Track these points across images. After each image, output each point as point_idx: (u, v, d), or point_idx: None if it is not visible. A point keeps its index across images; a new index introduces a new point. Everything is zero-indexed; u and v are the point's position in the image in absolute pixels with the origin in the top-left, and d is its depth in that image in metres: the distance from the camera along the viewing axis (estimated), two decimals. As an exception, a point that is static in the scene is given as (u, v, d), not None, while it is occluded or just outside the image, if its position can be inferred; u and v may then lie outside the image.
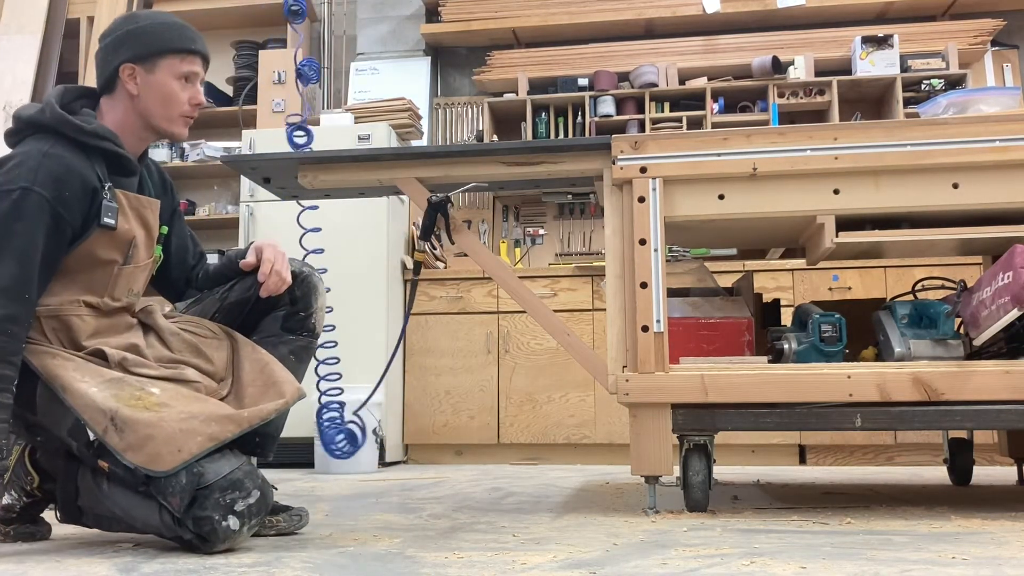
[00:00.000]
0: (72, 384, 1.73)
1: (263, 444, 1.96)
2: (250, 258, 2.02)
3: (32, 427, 1.84)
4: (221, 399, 1.87)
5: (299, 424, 3.87)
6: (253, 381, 1.89)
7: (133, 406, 1.70)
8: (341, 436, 2.30)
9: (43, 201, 1.73)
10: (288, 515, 1.95)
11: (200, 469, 1.66)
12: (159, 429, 1.66)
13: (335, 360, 2.26)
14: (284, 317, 2.06)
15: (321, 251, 2.33)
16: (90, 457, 1.76)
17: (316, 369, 2.24)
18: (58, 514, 1.88)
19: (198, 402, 1.77)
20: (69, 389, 1.73)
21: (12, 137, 1.87)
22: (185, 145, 5.13)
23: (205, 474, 1.65)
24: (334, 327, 2.35)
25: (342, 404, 2.33)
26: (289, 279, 2.02)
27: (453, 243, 2.38)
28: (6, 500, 1.87)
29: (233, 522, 1.63)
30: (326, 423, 2.30)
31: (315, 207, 2.56)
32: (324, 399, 2.30)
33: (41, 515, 1.94)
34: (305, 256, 2.22)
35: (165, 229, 2.05)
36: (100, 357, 1.81)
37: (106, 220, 1.81)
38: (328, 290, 2.16)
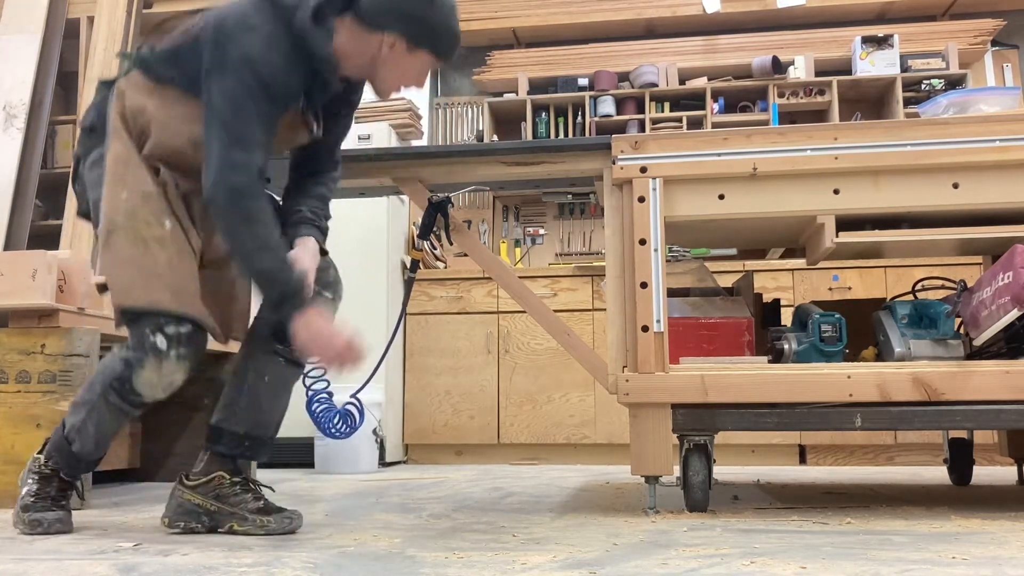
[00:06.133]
0: (114, 184, 1.87)
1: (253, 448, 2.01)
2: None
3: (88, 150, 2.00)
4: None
5: (299, 424, 3.87)
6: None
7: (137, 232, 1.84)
8: (337, 417, 2.28)
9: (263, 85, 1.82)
10: (280, 516, 1.93)
11: None
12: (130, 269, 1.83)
13: None
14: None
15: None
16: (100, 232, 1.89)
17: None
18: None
19: (187, 262, 1.88)
20: (112, 185, 1.87)
21: None
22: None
23: None
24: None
25: (330, 394, 2.32)
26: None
27: (452, 243, 2.38)
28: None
29: (160, 340, 1.80)
30: (319, 413, 2.29)
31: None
32: (310, 392, 2.29)
33: (63, 506, 1.99)
34: None
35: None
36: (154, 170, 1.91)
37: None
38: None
